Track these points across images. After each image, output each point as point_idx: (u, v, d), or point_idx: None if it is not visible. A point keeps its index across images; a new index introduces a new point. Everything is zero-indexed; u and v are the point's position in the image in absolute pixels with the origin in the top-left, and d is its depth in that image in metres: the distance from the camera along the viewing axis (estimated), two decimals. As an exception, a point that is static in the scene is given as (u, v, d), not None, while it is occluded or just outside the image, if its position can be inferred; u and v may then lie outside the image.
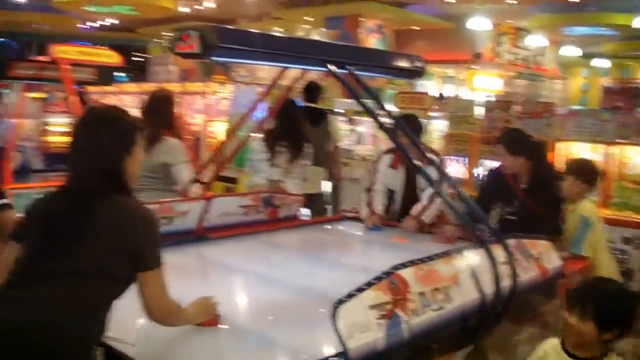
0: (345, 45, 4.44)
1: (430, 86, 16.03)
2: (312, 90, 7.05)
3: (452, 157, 7.38)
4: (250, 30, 2.84)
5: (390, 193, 5.15)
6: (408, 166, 4.87)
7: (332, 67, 2.96)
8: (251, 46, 2.72)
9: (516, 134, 4.77)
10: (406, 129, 3.37)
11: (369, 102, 3.28)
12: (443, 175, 3.29)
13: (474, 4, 12.96)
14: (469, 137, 7.31)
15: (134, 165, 2.31)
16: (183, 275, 3.67)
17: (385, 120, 3.27)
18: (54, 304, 2.05)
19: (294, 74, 4.38)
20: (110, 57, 5.54)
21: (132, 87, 17.81)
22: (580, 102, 18.76)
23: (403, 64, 3.51)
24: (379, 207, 5.02)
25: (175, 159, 4.67)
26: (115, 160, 2.23)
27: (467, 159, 7.33)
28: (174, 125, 4.88)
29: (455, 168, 7.38)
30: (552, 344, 2.70)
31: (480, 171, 7.20)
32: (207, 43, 2.53)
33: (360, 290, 2.33)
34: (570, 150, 6.95)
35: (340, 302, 2.24)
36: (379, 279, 2.43)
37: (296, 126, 5.67)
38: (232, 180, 9.78)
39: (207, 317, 2.60)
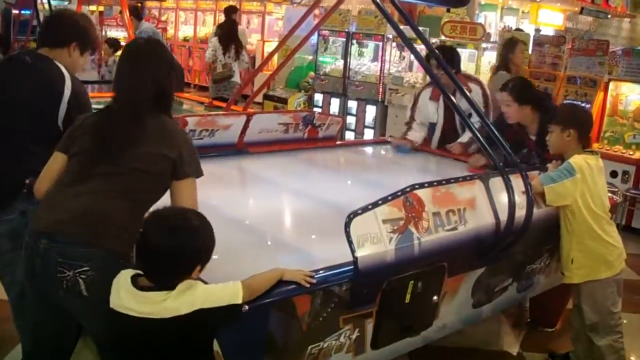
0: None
1: (491, 17, 15.64)
2: None
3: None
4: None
5: (431, 125, 5.21)
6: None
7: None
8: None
9: (523, 83, 4.50)
10: (441, 60, 3.44)
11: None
12: (472, 106, 3.34)
13: None
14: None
15: (172, 91, 2.58)
16: (223, 184, 3.89)
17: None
18: (110, 195, 2.34)
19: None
20: (163, -29, 5.61)
21: (189, 3, 17.93)
22: (648, 43, 18.02)
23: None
24: (412, 134, 5.14)
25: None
26: (165, 84, 2.52)
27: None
28: None
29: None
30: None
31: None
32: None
33: (375, 204, 2.48)
34: (621, 90, 6.86)
35: (355, 214, 2.40)
36: (395, 195, 2.57)
37: None
38: (283, 101, 9.97)
39: None
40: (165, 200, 2.43)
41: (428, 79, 6.74)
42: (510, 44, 6.67)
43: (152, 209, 2.31)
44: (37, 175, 2.53)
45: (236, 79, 8.83)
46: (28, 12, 10.54)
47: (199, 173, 2.49)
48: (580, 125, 3.51)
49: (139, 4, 8.58)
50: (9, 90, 2.96)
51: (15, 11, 11.02)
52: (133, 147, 2.38)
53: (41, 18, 6.89)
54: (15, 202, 2.83)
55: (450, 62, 4.87)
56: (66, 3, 11.37)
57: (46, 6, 6.52)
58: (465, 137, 4.90)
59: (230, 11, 9.54)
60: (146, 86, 2.45)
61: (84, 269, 2.23)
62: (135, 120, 2.41)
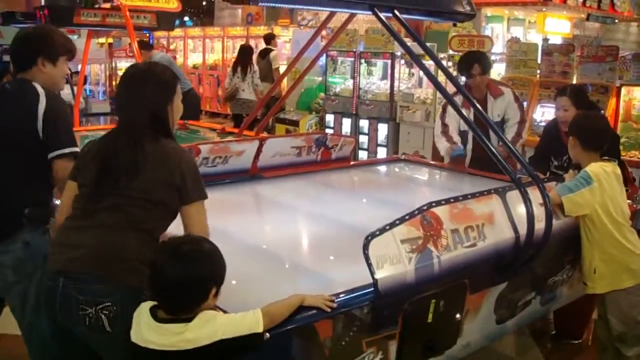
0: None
1: (498, 29, 15.62)
2: None
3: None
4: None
5: (463, 134, 5.16)
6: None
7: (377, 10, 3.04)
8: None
9: (581, 88, 4.62)
10: (453, 78, 3.43)
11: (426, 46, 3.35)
12: (485, 119, 3.33)
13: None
14: (528, 81, 7.21)
15: (174, 112, 2.54)
16: (238, 211, 3.89)
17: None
18: (117, 228, 2.33)
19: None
20: (169, 3, 5.69)
21: (197, 31, 18.11)
22: (657, 46, 17.92)
23: (449, 6, 3.54)
24: (455, 137, 5.03)
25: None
26: (160, 107, 2.48)
27: (525, 103, 7.24)
28: None
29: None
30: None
31: (539, 115, 7.12)
32: (252, -11, 2.65)
33: (392, 224, 2.46)
34: (634, 95, 6.79)
35: (373, 235, 2.38)
36: (412, 215, 2.55)
37: None
38: (295, 123, 9.99)
39: None
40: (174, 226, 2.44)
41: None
42: None
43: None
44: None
45: (246, 96, 9.31)
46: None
47: (204, 195, 2.46)
48: (579, 133, 3.49)
49: (147, 35, 8.69)
50: None
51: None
52: (135, 175, 2.35)
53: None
54: (18, 232, 2.81)
55: (485, 67, 4.89)
56: (76, 37, 11.50)
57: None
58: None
59: (267, 38, 11.80)
60: (141, 110, 2.42)
61: (105, 304, 2.23)
62: (134, 146, 2.38)
